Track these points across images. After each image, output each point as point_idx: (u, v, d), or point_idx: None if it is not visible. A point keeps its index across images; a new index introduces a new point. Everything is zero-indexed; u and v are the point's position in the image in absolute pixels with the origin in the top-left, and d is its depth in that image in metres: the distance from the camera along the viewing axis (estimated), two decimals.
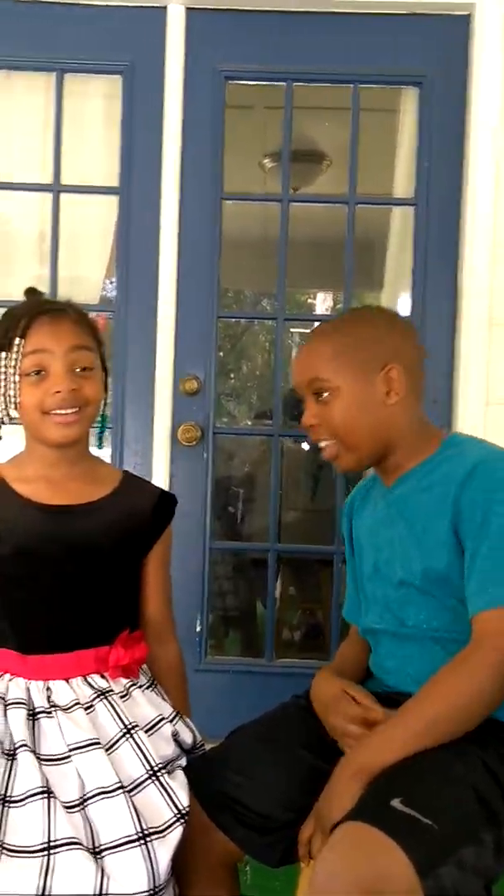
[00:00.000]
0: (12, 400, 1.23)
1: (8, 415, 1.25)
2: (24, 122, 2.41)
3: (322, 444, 1.29)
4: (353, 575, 1.42)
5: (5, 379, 1.22)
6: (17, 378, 1.21)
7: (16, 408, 1.24)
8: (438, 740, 1.07)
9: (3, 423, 1.25)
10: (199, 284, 2.30)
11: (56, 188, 2.35)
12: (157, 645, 1.35)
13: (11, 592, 1.24)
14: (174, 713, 1.29)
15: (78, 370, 1.23)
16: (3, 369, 1.22)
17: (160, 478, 2.27)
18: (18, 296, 1.36)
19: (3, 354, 1.22)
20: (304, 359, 1.30)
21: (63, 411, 1.22)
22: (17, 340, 1.21)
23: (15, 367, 1.21)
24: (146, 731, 1.21)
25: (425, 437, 1.29)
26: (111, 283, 2.47)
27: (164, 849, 1.10)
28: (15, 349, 1.21)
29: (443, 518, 1.18)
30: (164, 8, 2.27)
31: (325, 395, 1.25)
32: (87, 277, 2.48)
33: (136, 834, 1.08)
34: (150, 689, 1.29)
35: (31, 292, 1.34)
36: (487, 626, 1.10)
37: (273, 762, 1.21)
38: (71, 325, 1.24)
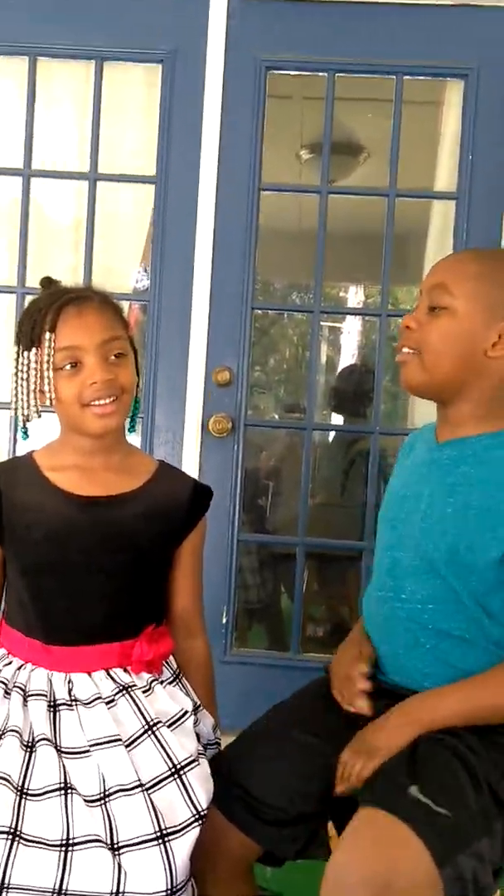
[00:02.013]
0: (48, 395, 1.21)
1: (38, 411, 1.24)
2: (63, 109, 2.41)
3: (403, 350, 1.22)
4: None
5: (37, 375, 1.21)
6: (50, 373, 1.20)
7: (51, 403, 1.22)
8: (489, 720, 1.10)
9: (29, 419, 1.24)
10: (235, 275, 2.29)
11: (93, 176, 2.35)
12: (185, 638, 1.34)
13: (40, 581, 1.24)
14: (195, 706, 1.28)
15: (112, 357, 1.22)
16: (33, 365, 1.21)
17: (190, 468, 2.26)
18: None
19: (34, 351, 1.21)
20: (447, 264, 1.22)
21: (102, 401, 1.21)
22: (47, 335, 1.19)
23: (48, 362, 1.19)
24: (169, 727, 1.20)
25: (501, 411, 1.20)
26: (145, 271, 2.47)
27: (181, 848, 1.09)
28: (47, 344, 1.19)
29: (496, 506, 1.13)
30: None
31: (440, 309, 1.18)
32: (121, 266, 2.48)
33: (154, 833, 1.08)
34: (173, 683, 1.28)
35: (48, 282, 1.31)
36: None
37: (279, 753, 1.20)
38: (99, 316, 1.22)
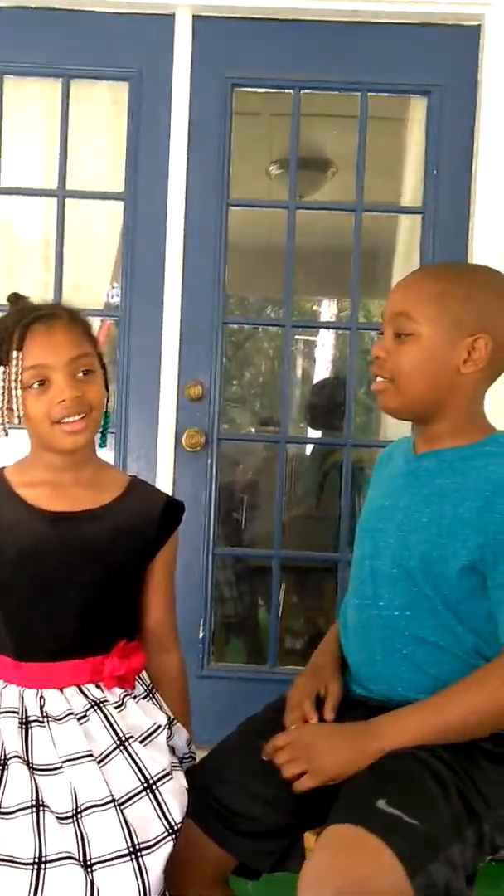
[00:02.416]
0: (16, 413, 1.22)
1: (5, 429, 1.23)
2: (31, 128, 2.42)
3: (378, 379, 1.23)
4: None
5: (5, 393, 1.21)
6: (18, 392, 1.20)
7: (20, 420, 1.23)
8: (451, 740, 1.09)
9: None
10: (205, 290, 2.30)
11: (61, 194, 2.36)
12: (158, 653, 1.34)
13: (10, 598, 1.23)
14: (169, 720, 1.28)
15: (80, 374, 1.23)
16: (1, 384, 1.21)
17: (164, 483, 2.26)
18: None
19: (2, 369, 1.21)
20: (403, 290, 1.22)
21: (71, 418, 1.21)
22: (14, 353, 1.19)
23: (16, 380, 1.20)
24: (141, 742, 1.20)
25: (476, 424, 1.22)
26: (115, 288, 2.47)
27: (155, 863, 1.09)
28: (14, 362, 1.20)
29: (470, 519, 1.14)
30: (172, 15, 2.28)
31: (405, 335, 1.18)
32: (91, 283, 2.49)
33: (126, 849, 1.07)
34: (147, 698, 1.28)
35: (15, 298, 1.31)
36: None
37: (252, 765, 1.20)
38: (67, 334, 1.22)
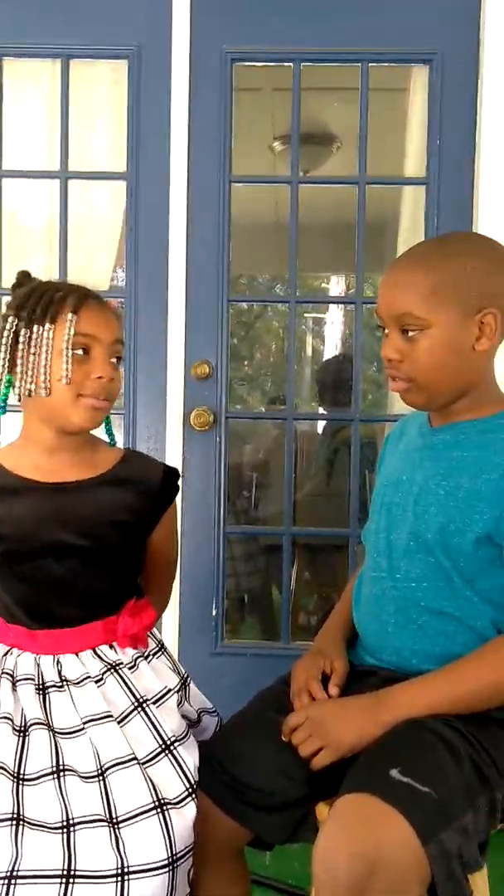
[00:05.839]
0: (48, 373, 1.20)
1: (46, 387, 1.21)
2: (31, 109, 2.40)
3: (394, 381, 1.21)
4: None
5: (46, 351, 1.20)
6: (69, 353, 1.19)
7: (48, 388, 1.20)
8: (464, 710, 1.10)
9: (30, 394, 1.22)
10: (209, 268, 2.29)
11: (63, 175, 2.35)
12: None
13: (15, 570, 1.25)
14: (180, 682, 1.30)
15: (114, 359, 1.25)
16: (42, 341, 1.20)
17: (173, 462, 2.26)
18: None
19: (36, 327, 1.20)
20: (397, 288, 1.18)
21: (97, 400, 1.23)
22: (69, 316, 1.19)
23: (67, 341, 1.19)
24: (154, 703, 1.22)
25: (491, 395, 1.22)
26: (121, 270, 2.47)
27: (181, 819, 1.11)
28: (67, 324, 1.19)
29: (487, 492, 1.14)
30: None
31: (414, 332, 1.16)
32: (96, 265, 2.48)
33: (152, 803, 1.09)
34: (158, 655, 1.31)
35: (24, 277, 1.31)
36: None
37: (264, 738, 1.21)
38: (114, 318, 1.26)
